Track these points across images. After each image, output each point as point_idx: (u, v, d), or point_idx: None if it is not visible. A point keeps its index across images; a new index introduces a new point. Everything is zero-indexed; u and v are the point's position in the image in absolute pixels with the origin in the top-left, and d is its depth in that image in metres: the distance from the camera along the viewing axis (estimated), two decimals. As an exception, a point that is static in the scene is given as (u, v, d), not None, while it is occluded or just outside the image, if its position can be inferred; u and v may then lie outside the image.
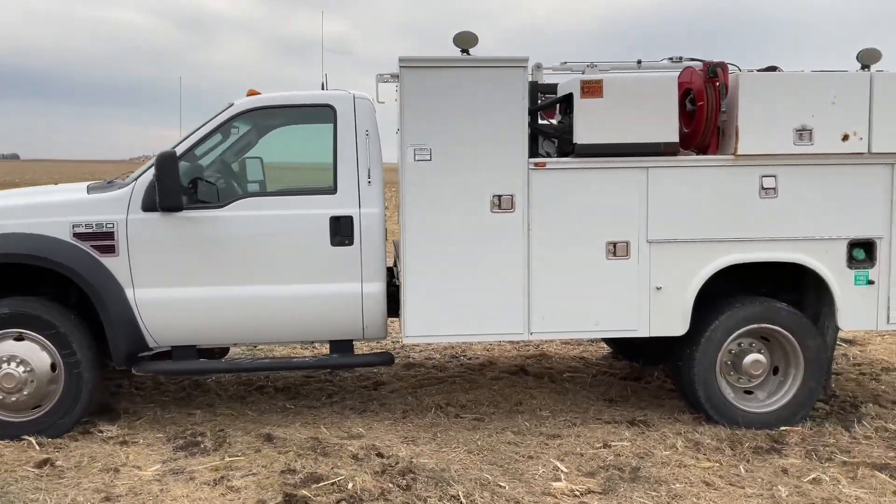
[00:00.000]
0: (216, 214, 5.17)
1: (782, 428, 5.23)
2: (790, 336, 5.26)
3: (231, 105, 5.37)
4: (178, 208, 4.98)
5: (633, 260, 5.15)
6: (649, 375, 6.69)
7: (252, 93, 5.55)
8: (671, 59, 6.93)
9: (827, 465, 4.67)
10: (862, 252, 5.23)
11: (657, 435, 5.13)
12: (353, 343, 5.48)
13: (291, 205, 5.23)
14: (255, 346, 7.44)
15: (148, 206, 5.10)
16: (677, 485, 4.34)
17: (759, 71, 5.50)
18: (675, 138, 5.10)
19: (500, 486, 4.33)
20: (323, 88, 5.70)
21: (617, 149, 5.06)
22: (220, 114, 5.34)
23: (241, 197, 5.25)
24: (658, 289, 5.18)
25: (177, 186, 4.92)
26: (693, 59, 6.50)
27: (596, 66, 6.91)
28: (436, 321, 5.13)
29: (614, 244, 5.14)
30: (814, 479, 4.44)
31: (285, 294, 5.20)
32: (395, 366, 7.15)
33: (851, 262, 5.23)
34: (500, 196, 5.06)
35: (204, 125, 5.32)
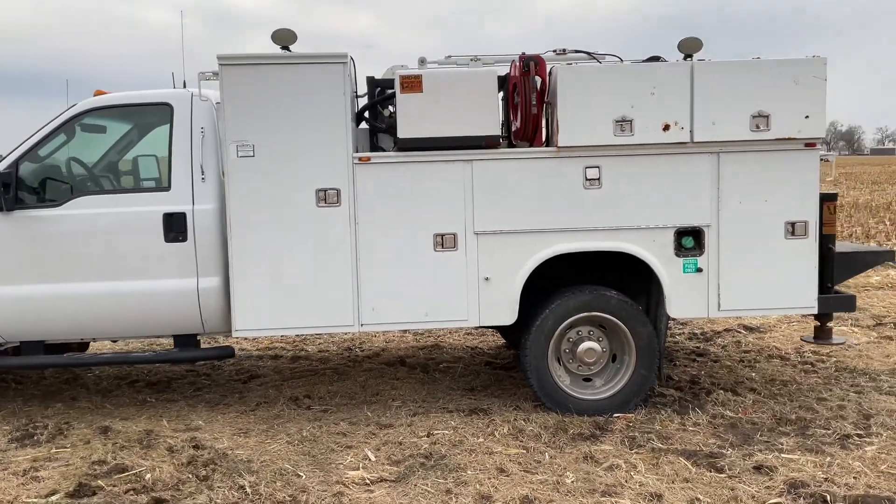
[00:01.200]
0: (53, 213, 5.29)
1: (615, 415, 5.29)
2: (621, 324, 5.32)
3: (73, 105, 5.48)
4: None
5: (460, 251, 5.22)
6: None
7: (98, 93, 5.66)
8: (555, 51, 6.98)
9: (636, 451, 4.72)
10: (691, 240, 5.26)
11: (484, 423, 5.21)
12: (199, 337, 5.59)
13: (126, 202, 5.34)
14: (156, 340, 7.57)
15: (-14, 206, 5.23)
16: (470, 472, 4.41)
17: (642, 62, 5.52)
18: (497, 131, 5.16)
19: (298, 476, 4.42)
20: (184, 87, 5.80)
21: (439, 142, 5.12)
22: (61, 114, 5.46)
23: (78, 195, 5.36)
24: (486, 279, 5.24)
25: None
26: (578, 52, 6.54)
27: (479, 59, 6.98)
28: (266, 315, 5.22)
29: (442, 236, 5.20)
30: (610, 465, 4.49)
31: (123, 290, 5.31)
32: (281, 359, 7.29)
33: (680, 250, 5.26)
34: (325, 190, 5.14)
35: (45, 126, 5.43)
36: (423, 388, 6.17)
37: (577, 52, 6.48)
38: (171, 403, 5.89)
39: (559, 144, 5.13)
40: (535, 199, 5.19)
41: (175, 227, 5.27)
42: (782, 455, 4.63)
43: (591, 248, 5.25)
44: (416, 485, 4.27)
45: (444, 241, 5.21)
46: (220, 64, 5.05)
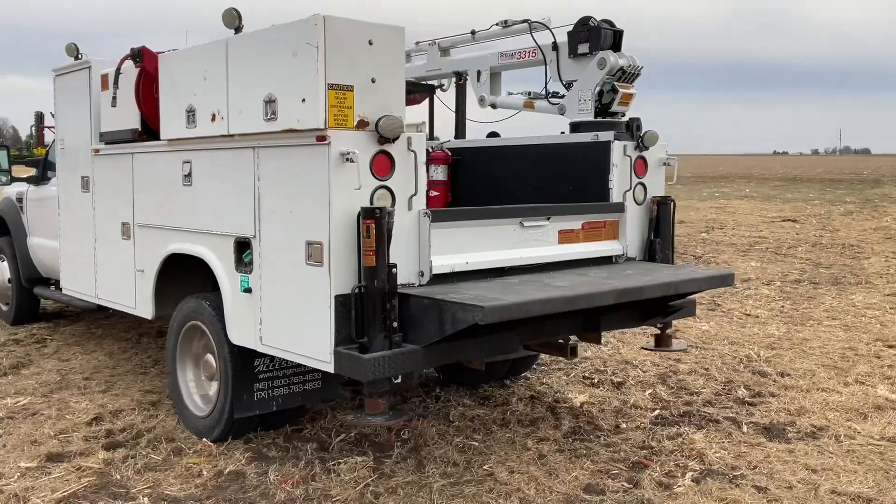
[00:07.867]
0: (46, 188, 7.47)
1: (204, 439, 4.80)
2: (213, 339, 4.74)
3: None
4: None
5: (131, 241, 5.43)
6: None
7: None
8: (498, 24, 6.23)
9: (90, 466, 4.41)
10: (251, 254, 4.35)
11: (127, 406, 5.37)
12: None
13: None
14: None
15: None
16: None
17: None
18: (138, 125, 5.17)
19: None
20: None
21: (114, 136, 5.45)
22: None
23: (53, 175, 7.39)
24: (141, 271, 5.33)
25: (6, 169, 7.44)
26: (525, 21, 5.90)
27: (436, 42, 6.77)
28: (73, 280, 6.38)
29: (125, 225, 5.51)
30: (42, 468, 4.42)
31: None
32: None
33: (240, 264, 4.41)
34: (83, 178, 6.02)
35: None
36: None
37: (532, 21, 5.81)
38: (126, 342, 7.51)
39: (161, 137, 4.89)
40: (159, 195, 5.06)
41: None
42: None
43: (181, 251, 4.83)
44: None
45: (125, 231, 5.50)
46: (54, 75, 6.39)
